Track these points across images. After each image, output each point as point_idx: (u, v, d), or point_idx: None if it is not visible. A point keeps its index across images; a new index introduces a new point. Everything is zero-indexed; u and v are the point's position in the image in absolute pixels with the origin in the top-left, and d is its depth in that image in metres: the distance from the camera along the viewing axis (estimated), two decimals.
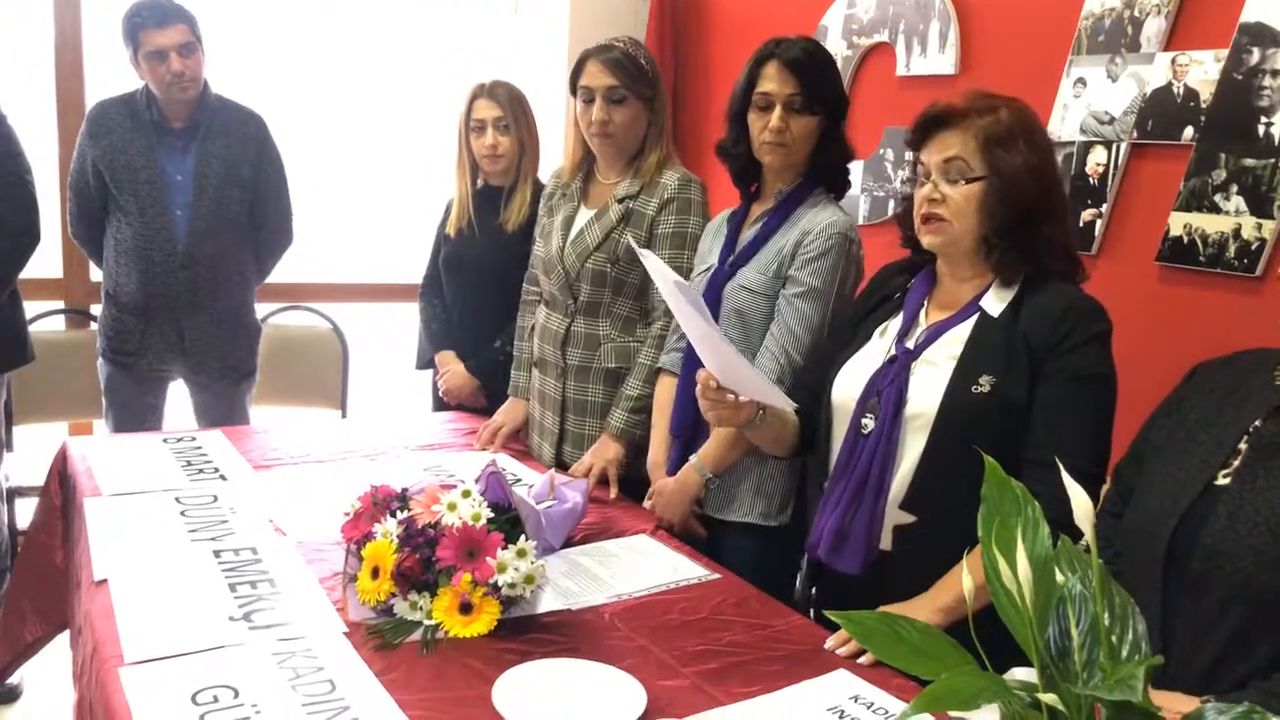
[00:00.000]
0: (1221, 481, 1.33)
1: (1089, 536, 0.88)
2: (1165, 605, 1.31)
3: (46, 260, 3.24)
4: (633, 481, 2.20)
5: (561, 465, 2.33)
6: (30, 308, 3.07)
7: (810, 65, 1.91)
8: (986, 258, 1.62)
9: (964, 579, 0.98)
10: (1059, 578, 0.94)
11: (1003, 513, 0.94)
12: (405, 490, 1.67)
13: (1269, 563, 1.23)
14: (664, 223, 2.19)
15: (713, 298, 2.01)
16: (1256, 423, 1.34)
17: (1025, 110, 1.61)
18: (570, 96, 2.27)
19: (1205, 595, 1.29)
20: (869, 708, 1.39)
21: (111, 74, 3.03)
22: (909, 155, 1.70)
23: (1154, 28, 2.20)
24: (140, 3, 2.75)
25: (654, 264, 1.65)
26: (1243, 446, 1.34)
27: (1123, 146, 2.27)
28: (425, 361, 2.95)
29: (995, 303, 1.61)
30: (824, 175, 2.00)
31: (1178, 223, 2.15)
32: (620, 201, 2.23)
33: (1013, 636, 0.90)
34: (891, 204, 2.93)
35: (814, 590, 1.85)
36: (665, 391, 2.13)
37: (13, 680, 2.69)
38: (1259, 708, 0.83)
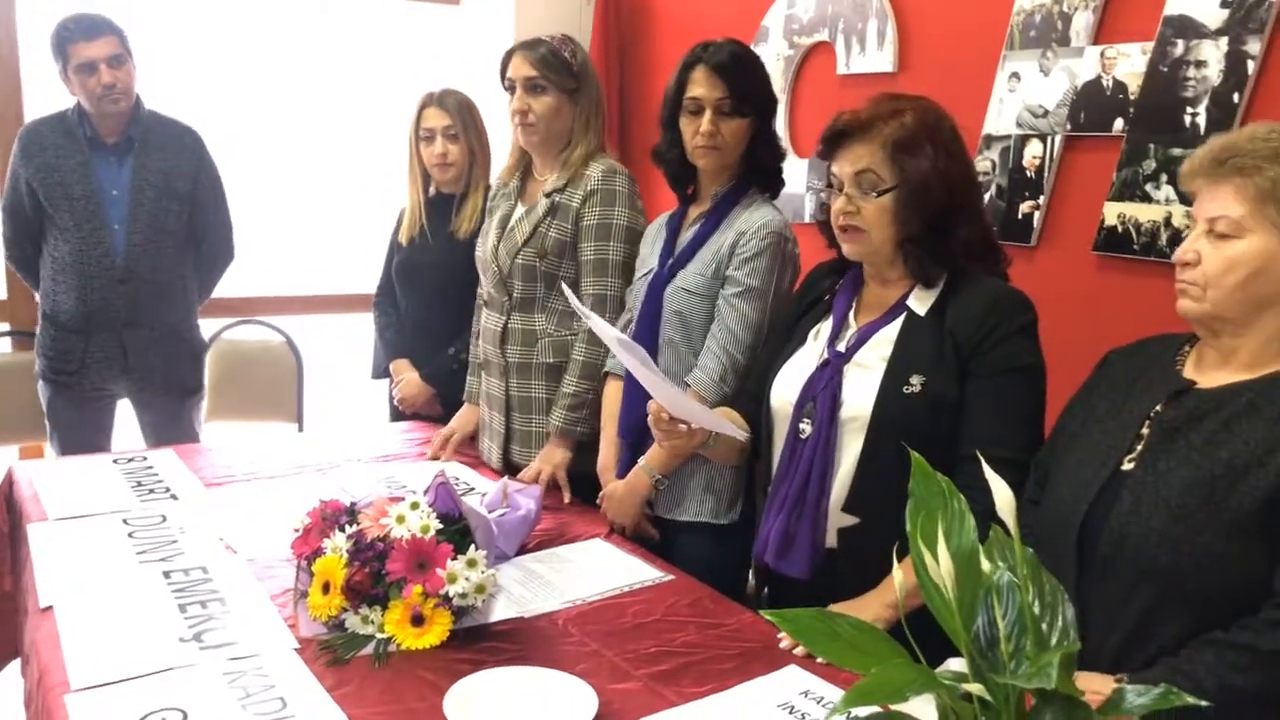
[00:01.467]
0: (1127, 467, 1.37)
1: (1011, 527, 0.91)
2: (1078, 588, 1.35)
3: None
4: (581, 479, 2.21)
5: (510, 465, 2.33)
6: None
7: (738, 68, 1.94)
8: (905, 263, 1.65)
9: (895, 575, 1.00)
10: (987, 568, 0.96)
11: (929, 507, 0.96)
12: (354, 504, 1.67)
13: (1170, 543, 1.28)
14: (588, 214, 2.20)
15: (653, 300, 2.03)
16: (1158, 407, 1.39)
17: (931, 111, 1.64)
18: None
19: (1114, 578, 1.34)
20: (819, 702, 1.41)
21: (51, 94, 3.00)
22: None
23: (1082, 22, 2.25)
24: (68, 17, 2.75)
25: (597, 323, 1.67)
26: (1145, 431, 1.38)
27: (1057, 139, 2.31)
28: (381, 371, 2.95)
29: (921, 302, 1.64)
30: (757, 175, 2.03)
31: (1112, 212, 2.19)
32: (548, 195, 2.25)
33: None
34: None
35: (765, 590, 1.87)
36: (612, 395, 2.14)
37: None
38: (1175, 689, 0.86)
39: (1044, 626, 0.94)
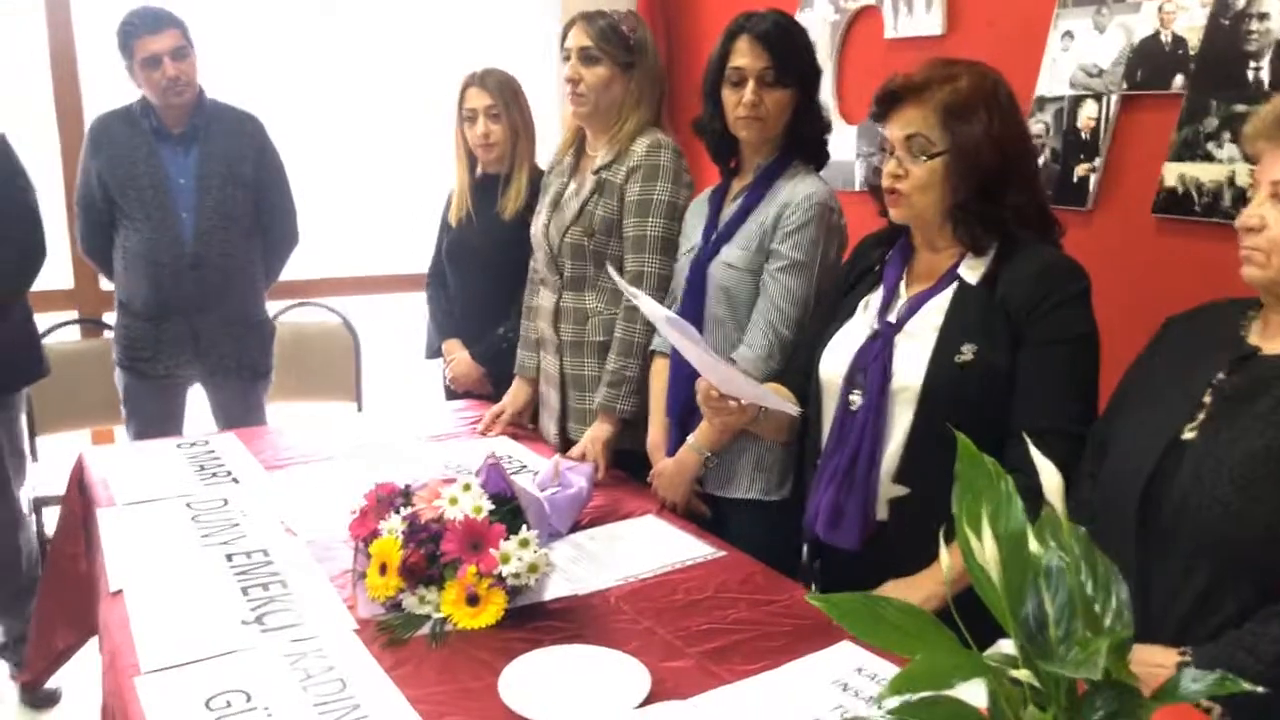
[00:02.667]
0: (1188, 436, 1.33)
1: (1059, 510, 0.89)
2: (1140, 560, 1.32)
3: (57, 272, 3.29)
4: (629, 456, 2.22)
5: (567, 442, 2.35)
6: (44, 320, 3.12)
7: (781, 38, 1.91)
8: (955, 230, 1.62)
9: (942, 557, 0.98)
10: (1038, 549, 0.94)
11: (974, 489, 0.95)
12: (409, 486, 1.70)
13: (1234, 514, 1.25)
14: (630, 190, 2.19)
15: (698, 277, 2.02)
16: (1220, 375, 1.35)
17: (987, 76, 1.60)
18: None
19: (1176, 549, 1.30)
20: (873, 679, 1.41)
21: (109, 86, 3.07)
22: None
23: None
24: (132, 12, 2.83)
25: (645, 302, 1.66)
26: (1207, 399, 1.34)
27: (1113, 99, 2.24)
28: (433, 351, 2.99)
29: (972, 271, 1.61)
30: (801, 147, 2.00)
31: (1172, 173, 2.12)
32: (596, 172, 2.24)
33: None
34: None
35: (818, 564, 1.86)
36: (660, 373, 2.14)
37: (50, 686, 2.76)
38: (1231, 676, 0.83)
39: (1097, 607, 0.93)
